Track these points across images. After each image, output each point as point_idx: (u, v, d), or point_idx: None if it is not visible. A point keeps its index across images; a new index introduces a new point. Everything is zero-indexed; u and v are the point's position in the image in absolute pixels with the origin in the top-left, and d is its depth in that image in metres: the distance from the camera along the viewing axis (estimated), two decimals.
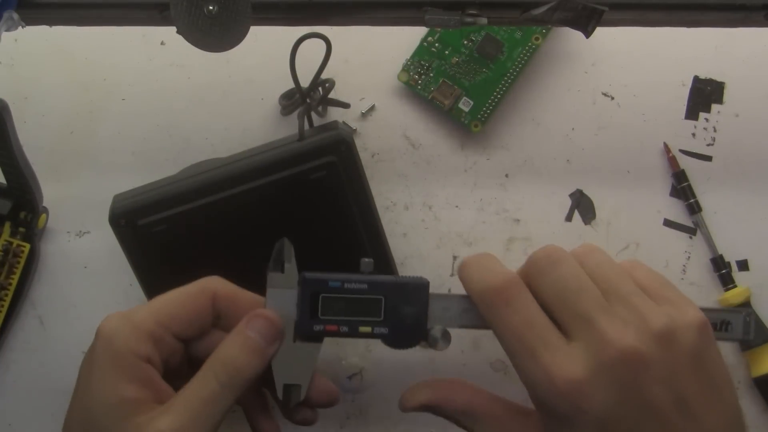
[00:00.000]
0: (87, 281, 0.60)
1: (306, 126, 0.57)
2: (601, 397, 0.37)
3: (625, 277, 0.40)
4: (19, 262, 0.58)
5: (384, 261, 0.58)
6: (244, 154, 0.57)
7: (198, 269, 0.54)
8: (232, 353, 0.41)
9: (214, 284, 0.45)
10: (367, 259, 0.45)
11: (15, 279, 0.58)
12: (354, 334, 0.44)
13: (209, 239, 0.56)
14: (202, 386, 0.40)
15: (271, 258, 0.44)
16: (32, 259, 0.59)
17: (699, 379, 0.38)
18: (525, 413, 0.42)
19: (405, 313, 0.43)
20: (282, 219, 0.56)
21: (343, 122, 0.61)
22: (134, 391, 0.39)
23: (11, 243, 0.58)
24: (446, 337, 0.44)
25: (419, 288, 0.44)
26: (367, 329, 0.43)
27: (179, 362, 0.44)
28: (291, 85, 0.56)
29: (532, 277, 0.40)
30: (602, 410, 0.37)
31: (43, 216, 0.59)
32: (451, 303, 0.44)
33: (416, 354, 0.60)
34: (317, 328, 0.43)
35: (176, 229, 0.55)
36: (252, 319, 0.42)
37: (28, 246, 0.58)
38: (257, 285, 0.53)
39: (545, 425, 0.40)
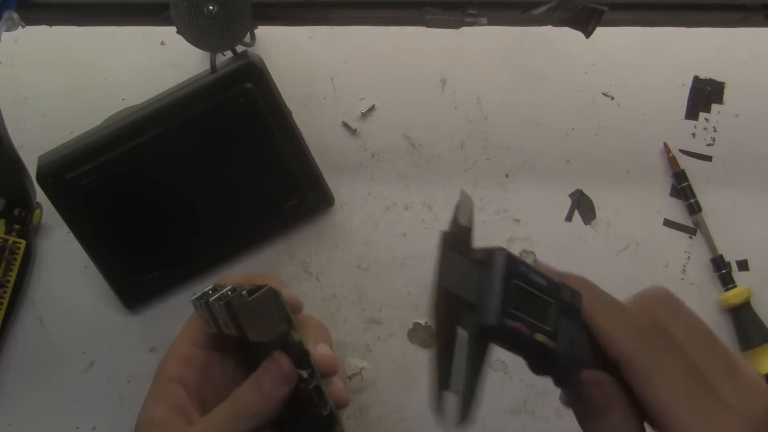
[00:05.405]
0: (87, 281, 0.60)
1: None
2: None
3: None
4: (16, 259, 0.58)
5: (315, 181, 0.58)
6: (161, 95, 0.57)
7: (132, 217, 0.56)
8: (246, 397, 0.44)
9: None
10: (529, 251, 0.35)
11: (12, 276, 0.58)
12: (527, 342, 0.31)
13: (139, 185, 0.56)
14: (218, 419, 0.44)
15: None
16: (29, 255, 0.59)
17: None
18: None
19: (568, 330, 0.32)
20: (208, 154, 0.56)
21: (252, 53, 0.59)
22: (161, 413, 0.45)
23: (7, 240, 0.58)
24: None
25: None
26: (542, 338, 0.31)
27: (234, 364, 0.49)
28: None
29: (662, 317, 0.35)
30: None
31: (37, 212, 0.59)
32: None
33: (415, 355, 0.60)
34: (507, 323, 0.30)
35: (104, 179, 0.55)
36: (268, 367, 0.44)
37: (23, 242, 0.58)
38: (193, 226, 0.57)
39: None
